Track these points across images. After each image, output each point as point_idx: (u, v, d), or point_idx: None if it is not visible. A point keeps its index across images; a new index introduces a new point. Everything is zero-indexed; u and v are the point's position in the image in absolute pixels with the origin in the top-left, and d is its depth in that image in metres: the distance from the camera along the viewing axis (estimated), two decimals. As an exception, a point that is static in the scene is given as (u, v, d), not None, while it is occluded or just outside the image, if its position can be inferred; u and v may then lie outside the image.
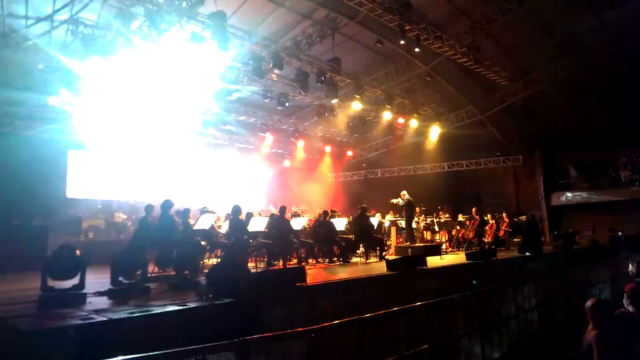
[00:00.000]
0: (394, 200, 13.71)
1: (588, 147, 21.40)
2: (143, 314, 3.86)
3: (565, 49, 16.35)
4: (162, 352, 2.69)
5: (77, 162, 16.83)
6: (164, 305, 4.24)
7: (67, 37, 11.22)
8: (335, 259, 11.18)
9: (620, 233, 16.90)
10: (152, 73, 12.14)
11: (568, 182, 22.02)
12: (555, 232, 17.83)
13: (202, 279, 7.06)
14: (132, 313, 3.87)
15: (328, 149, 22.14)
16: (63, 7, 9.47)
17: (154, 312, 3.95)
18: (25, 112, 14.38)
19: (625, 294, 6.20)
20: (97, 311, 4.05)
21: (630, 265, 8.03)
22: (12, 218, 11.31)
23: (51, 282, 5.61)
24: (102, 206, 15.30)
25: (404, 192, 13.61)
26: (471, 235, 14.85)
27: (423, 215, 15.01)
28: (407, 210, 13.23)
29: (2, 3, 10.43)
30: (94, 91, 13.47)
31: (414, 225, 13.76)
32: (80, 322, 3.58)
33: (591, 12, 14.41)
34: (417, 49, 13.05)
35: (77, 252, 5.92)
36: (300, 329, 3.43)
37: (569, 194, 21.66)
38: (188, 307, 4.18)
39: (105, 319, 3.69)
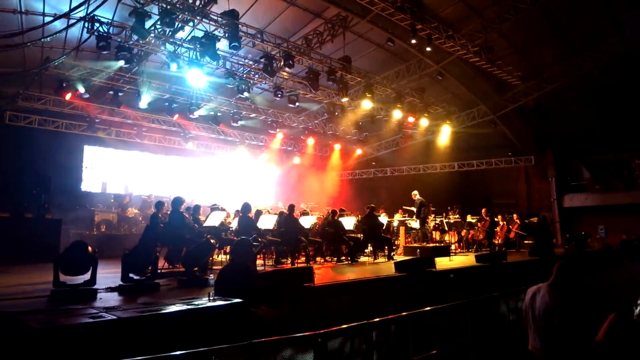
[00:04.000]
0: (409, 208, 13.82)
1: (601, 149, 21.10)
2: (152, 313, 3.92)
3: (578, 49, 16.16)
4: (172, 354, 2.74)
5: (92, 156, 17.10)
6: (173, 304, 4.30)
7: (82, 35, 11.38)
8: (344, 258, 11.19)
9: (633, 237, 16.66)
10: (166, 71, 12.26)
11: (581, 184, 21.74)
12: (567, 235, 17.61)
13: (211, 277, 7.14)
14: (142, 312, 3.93)
15: (338, 146, 22.15)
16: (80, 5, 9.58)
17: (162, 311, 4.01)
18: (42, 107, 14.64)
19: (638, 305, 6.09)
20: (107, 309, 4.12)
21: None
22: (26, 211, 11.48)
23: (63, 278, 5.71)
24: (114, 200, 15.51)
25: (415, 192, 13.56)
26: (481, 236, 14.73)
27: (432, 215, 14.95)
28: (420, 211, 13.21)
29: (20, 0, 10.61)
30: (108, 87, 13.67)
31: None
32: (91, 320, 3.65)
33: (606, 12, 14.21)
34: (428, 48, 12.98)
35: (89, 248, 6.01)
36: (307, 333, 3.47)
37: (581, 196, 21.38)
38: (197, 306, 4.23)
39: (115, 317, 3.75)
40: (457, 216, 15.69)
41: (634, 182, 20.49)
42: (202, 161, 19.89)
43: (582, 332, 4.02)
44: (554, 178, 21.74)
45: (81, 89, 12.91)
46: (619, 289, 9.78)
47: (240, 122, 17.05)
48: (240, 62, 13.84)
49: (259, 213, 10.88)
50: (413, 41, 12.36)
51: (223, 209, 11.37)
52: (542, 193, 22.25)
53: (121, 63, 10.88)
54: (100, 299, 5.60)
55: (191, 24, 11.03)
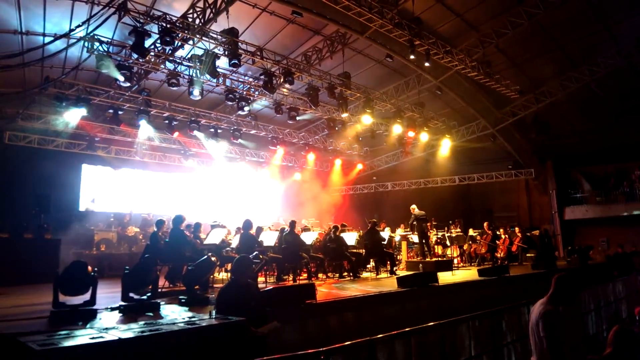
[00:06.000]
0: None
1: (601, 160, 21.17)
2: (153, 333, 3.86)
3: (575, 62, 16.29)
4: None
5: (90, 175, 17.08)
6: (173, 323, 4.23)
7: (82, 54, 11.48)
8: (346, 273, 11.11)
9: (633, 249, 16.54)
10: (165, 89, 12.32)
11: (581, 196, 21.73)
12: (569, 247, 17.51)
13: (212, 295, 7.06)
14: (142, 332, 3.87)
15: (338, 162, 22.17)
16: (80, 25, 9.67)
17: (163, 331, 3.95)
18: (42, 127, 14.69)
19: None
20: (108, 329, 4.05)
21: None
22: (26, 231, 11.41)
23: (63, 298, 5.65)
24: (114, 219, 15.44)
25: (413, 206, 13.56)
26: (483, 250, 14.63)
27: (434, 230, 14.88)
28: (418, 225, 13.15)
29: (20, 20, 10.72)
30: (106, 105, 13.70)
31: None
32: (91, 341, 3.58)
33: (601, 26, 14.35)
34: (427, 63, 13.08)
35: (89, 268, 5.95)
36: (310, 351, 3.41)
37: (582, 208, 21.36)
38: (198, 326, 4.16)
39: (115, 338, 3.68)
40: (458, 230, 15.61)
41: (635, 193, 20.47)
42: (202, 178, 19.89)
43: (578, 345, 3.98)
44: (555, 190, 21.73)
45: (82, 110, 12.91)
46: (614, 301, 9.68)
47: (239, 140, 17.09)
48: (240, 79, 13.94)
49: (260, 230, 10.82)
50: (412, 57, 12.44)
51: (223, 226, 11.34)
52: (543, 206, 22.22)
53: (121, 78, 10.92)
54: (101, 319, 5.53)
55: (191, 42, 11.12)
